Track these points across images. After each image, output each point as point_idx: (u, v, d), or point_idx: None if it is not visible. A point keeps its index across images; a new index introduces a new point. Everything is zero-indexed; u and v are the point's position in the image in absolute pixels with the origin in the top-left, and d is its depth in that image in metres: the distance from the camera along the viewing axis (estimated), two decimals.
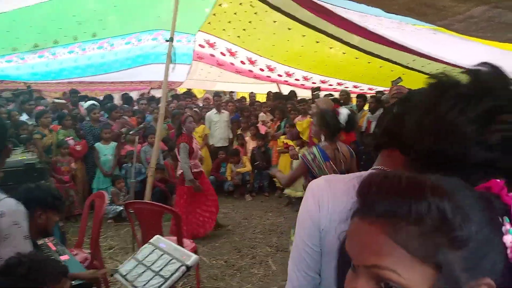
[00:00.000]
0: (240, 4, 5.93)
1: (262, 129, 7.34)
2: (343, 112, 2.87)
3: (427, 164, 0.68)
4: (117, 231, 5.09)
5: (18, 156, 4.08)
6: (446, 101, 0.65)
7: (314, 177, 2.89)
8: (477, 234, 0.49)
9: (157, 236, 2.72)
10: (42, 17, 5.57)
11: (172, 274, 2.36)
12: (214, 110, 7.40)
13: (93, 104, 6.75)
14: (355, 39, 5.91)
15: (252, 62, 7.90)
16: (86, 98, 8.24)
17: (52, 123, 6.01)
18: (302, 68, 8.14)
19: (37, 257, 1.49)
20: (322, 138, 2.94)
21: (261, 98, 9.69)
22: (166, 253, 2.53)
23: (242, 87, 10.65)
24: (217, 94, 8.34)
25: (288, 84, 9.32)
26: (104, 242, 4.60)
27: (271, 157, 6.98)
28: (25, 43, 6.14)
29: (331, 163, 2.84)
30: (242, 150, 7.02)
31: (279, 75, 8.60)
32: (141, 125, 5.89)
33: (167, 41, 4.80)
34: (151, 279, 2.39)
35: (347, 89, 7.67)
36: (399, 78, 4.94)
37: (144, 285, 2.36)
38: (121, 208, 5.49)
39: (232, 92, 10.50)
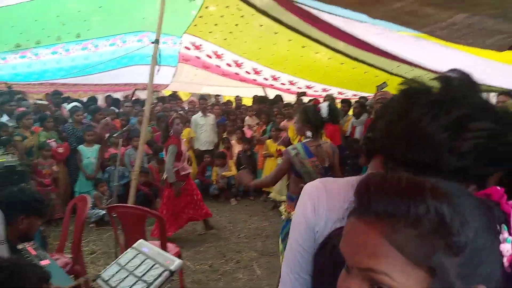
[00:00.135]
0: (227, 7, 5.93)
1: (248, 133, 7.34)
2: (323, 105, 2.92)
3: (400, 170, 0.68)
4: (100, 236, 5.01)
5: None
6: (418, 107, 0.66)
7: (297, 173, 2.91)
8: (474, 240, 0.49)
9: (141, 240, 2.67)
10: (24, 17, 5.46)
11: (155, 279, 2.32)
12: (199, 113, 7.37)
13: (76, 106, 6.64)
14: (340, 45, 5.98)
15: (238, 65, 7.90)
16: (69, 99, 8.10)
17: (33, 124, 5.88)
18: (288, 72, 8.19)
19: (18, 262, 1.45)
20: (308, 133, 2.95)
21: (247, 102, 9.69)
22: (149, 258, 2.49)
23: (228, 91, 10.64)
24: (202, 97, 8.31)
25: (274, 88, 9.36)
26: (86, 247, 4.52)
27: (256, 161, 6.98)
28: (6, 43, 6.00)
29: (315, 159, 2.86)
30: (228, 154, 7.01)
31: (265, 79, 8.62)
32: (125, 128, 5.82)
33: (152, 42, 4.76)
34: (134, 284, 2.34)
35: (332, 95, 7.75)
36: (384, 83, 5.01)
37: None
38: (104, 212, 5.41)
39: (218, 95, 10.47)
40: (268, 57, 7.41)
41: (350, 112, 6.68)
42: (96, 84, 9.07)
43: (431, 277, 0.48)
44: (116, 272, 2.51)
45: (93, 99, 8.52)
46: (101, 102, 9.03)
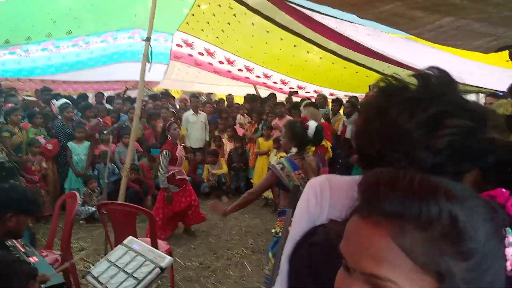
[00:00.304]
0: (219, 5, 5.94)
1: (240, 131, 7.35)
2: (311, 125, 2.96)
3: (372, 168, 0.68)
4: (89, 233, 4.98)
5: None
6: (396, 105, 0.65)
7: (284, 187, 2.96)
8: (484, 245, 0.47)
9: (131, 237, 2.68)
10: (14, 13, 5.41)
11: (145, 276, 2.33)
12: (191, 111, 7.35)
13: (66, 103, 6.58)
14: (332, 44, 6.03)
15: (230, 62, 7.92)
16: (58, 96, 8.02)
17: (22, 121, 5.82)
18: (280, 72, 8.23)
19: (5, 258, 1.45)
20: (293, 149, 3.00)
21: (239, 100, 9.70)
22: (139, 255, 2.50)
23: (220, 89, 10.64)
24: (194, 95, 8.29)
25: (267, 87, 9.38)
26: (76, 244, 4.49)
27: (248, 159, 7.00)
28: None
29: (300, 172, 2.92)
30: (219, 152, 7.01)
31: (258, 76, 8.64)
32: (115, 125, 5.79)
33: (144, 40, 4.74)
34: (124, 281, 2.35)
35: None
36: (378, 82, 5.06)
37: (117, 287, 2.32)
38: (94, 209, 5.38)
39: (210, 93, 10.46)
40: (260, 55, 7.43)
41: (341, 112, 6.74)
42: (86, 82, 8.99)
43: (438, 282, 0.46)
44: (106, 269, 2.52)
45: (83, 96, 8.44)
46: (92, 99, 8.95)
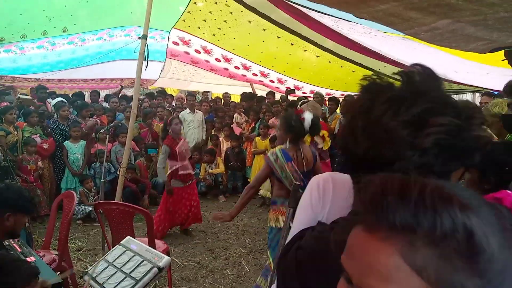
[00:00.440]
0: (215, 3, 5.91)
1: (237, 131, 7.34)
2: (307, 117, 2.98)
3: (359, 169, 0.67)
4: (86, 232, 4.96)
5: None
6: (380, 104, 0.64)
7: (278, 178, 2.96)
8: (497, 258, 0.42)
9: (128, 237, 2.68)
10: (9, 10, 5.36)
11: (143, 276, 2.33)
12: (187, 110, 7.33)
13: (62, 101, 6.54)
14: (329, 43, 6.02)
15: (227, 60, 7.89)
16: (54, 95, 7.97)
17: (17, 120, 5.78)
18: (277, 70, 8.22)
19: (6, 258, 1.44)
20: (287, 142, 3.01)
21: (236, 99, 9.70)
22: (137, 255, 2.49)
23: (216, 88, 10.62)
24: (190, 93, 8.27)
25: (263, 85, 9.37)
26: (73, 243, 4.47)
27: (245, 158, 6.99)
28: None
29: (293, 163, 2.91)
30: (216, 151, 7.00)
31: (254, 74, 8.63)
32: (112, 124, 5.76)
33: (140, 38, 4.72)
34: (122, 281, 2.35)
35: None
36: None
37: (115, 287, 2.32)
38: (91, 208, 5.36)
39: (206, 92, 10.42)
40: (257, 54, 7.42)
41: (338, 110, 6.74)
42: (82, 80, 8.94)
43: None
44: (104, 269, 2.51)
45: (79, 95, 8.40)
46: (87, 98, 8.91)
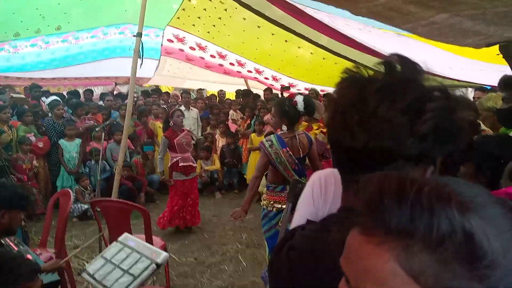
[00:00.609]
0: (210, 0, 5.90)
1: (232, 127, 7.35)
2: (299, 99, 2.99)
3: (356, 165, 0.67)
4: (83, 230, 4.95)
5: None
6: (373, 95, 0.64)
7: (272, 164, 2.99)
8: (502, 261, 0.40)
9: (126, 234, 2.68)
10: (2, 9, 5.32)
11: (141, 272, 2.34)
12: (182, 107, 7.32)
13: (56, 100, 6.50)
14: (323, 39, 6.03)
15: (222, 57, 7.89)
16: (48, 93, 7.92)
17: (11, 118, 5.74)
18: (271, 68, 8.22)
19: (7, 255, 1.44)
20: (284, 127, 3.03)
21: (231, 97, 9.70)
22: (135, 251, 2.50)
23: (211, 86, 10.61)
24: (185, 91, 8.25)
25: (258, 81, 9.37)
26: (69, 241, 4.46)
27: (241, 154, 7.01)
28: None
29: (288, 149, 2.94)
30: (212, 148, 7.01)
31: (249, 71, 8.63)
32: (107, 122, 5.75)
33: (134, 36, 4.70)
34: (120, 277, 2.35)
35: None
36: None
37: (113, 284, 2.32)
38: (87, 206, 5.35)
39: (201, 89, 10.42)
40: (252, 51, 7.41)
41: None
42: (76, 78, 8.88)
43: None
44: (102, 266, 2.51)
45: (74, 93, 8.35)
46: (82, 97, 8.85)
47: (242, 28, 6.51)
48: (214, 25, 6.62)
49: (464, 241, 0.39)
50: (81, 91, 9.09)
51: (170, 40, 7.34)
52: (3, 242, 2.35)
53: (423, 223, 0.40)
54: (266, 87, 8.68)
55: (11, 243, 2.47)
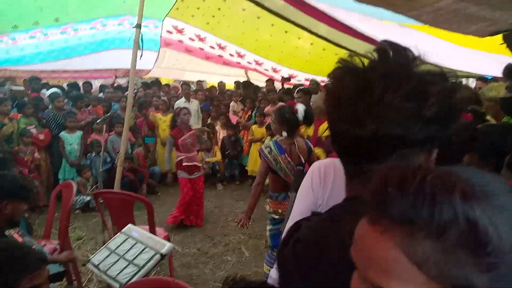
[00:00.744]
0: None
1: (234, 119, 7.34)
2: (300, 108, 3.05)
3: (360, 152, 0.67)
4: (85, 222, 4.98)
5: None
6: (377, 82, 0.63)
7: (272, 170, 3.06)
8: (510, 252, 0.40)
9: (130, 225, 2.70)
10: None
11: (146, 263, 2.36)
12: (183, 99, 7.30)
13: (56, 92, 6.48)
14: (323, 29, 5.99)
15: (222, 48, 7.84)
16: (47, 86, 7.89)
17: (11, 111, 5.73)
18: (271, 59, 8.18)
19: (15, 244, 1.45)
20: (283, 133, 3.07)
21: (230, 88, 9.66)
22: (139, 242, 2.52)
23: (211, 78, 10.57)
24: (185, 83, 8.22)
25: (258, 72, 9.33)
26: (72, 233, 4.48)
27: (242, 146, 7.02)
28: None
29: (286, 156, 2.98)
30: (213, 140, 7.02)
31: (249, 63, 8.59)
32: (108, 114, 5.74)
33: (134, 27, 4.66)
34: (125, 268, 2.38)
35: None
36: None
37: (118, 274, 2.35)
38: (89, 198, 5.37)
39: (201, 81, 10.37)
40: (252, 42, 7.37)
41: None
42: (76, 71, 8.83)
43: None
44: (106, 257, 2.54)
45: (74, 85, 8.32)
46: (81, 89, 8.83)
47: (241, 19, 6.47)
48: (213, 16, 6.57)
49: (467, 229, 0.39)
50: (80, 83, 9.07)
51: (169, 31, 7.29)
52: (7, 233, 2.37)
53: (425, 211, 0.40)
54: (267, 78, 8.65)
55: (15, 235, 2.49)
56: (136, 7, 4.46)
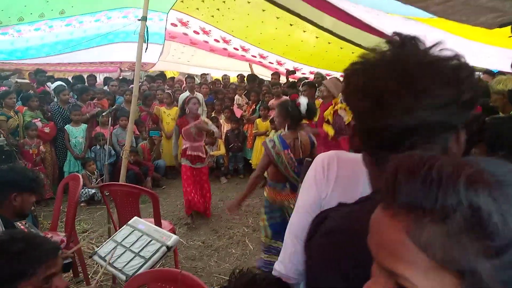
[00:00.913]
0: None
1: (238, 113, 7.33)
2: (303, 102, 3.07)
3: (398, 142, 0.66)
4: (91, 214, 5.01)
5: None
6: (418, 72, 0.64)
7: (274, 163, 3.07)
8: None
9: (136, 217, 2.71)
10: None
11: (152, 255, 2.37)
12: (187, 92, 7.30)
13: (62, 85, 6.50)
14: (329, 22, 5.95)
15: (226, 42, 7.81)
16: (52, 78, 7.90)
17: (16, 104, 5.75)
18: (276, 53, 8.14)
19: (31, 233, 1.46)
20: (287, 127, 3.09)
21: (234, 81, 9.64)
22: (145, 234, 2.53)
23: (215, 72, 10.56)
24: (190, 76, 8.21)
25: (263, 66, 9.30)
26: (78, 226, 4.52)
27: (246, 139, 7.01)
28: None
29: (289, 151, 3.00)
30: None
31: (253, 56, 8.55)
32: (113, 107, 5.75)
33: (139, 20, 4.65)
34: (131, 259, 2.39)
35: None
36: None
37: (124, 266, 2.36)
38: (94, 191, 5.40)
39: (205, 74, 10.34)
40: (256, 35, 7.33)
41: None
42: (80, 63, 8.84)
43: (459, 281, 0.42)
44: (113, 249, 2.55)
45: (79, 78, 8.33)
46: (86, 82, 8.84)
47: (246, 11, 6.43)
48: (218, 9, 6.54)
49: (470, 215, 0.40)
50: (85, 76, 9.09)
51: (173, 24, 7.26)
52: (15, 226, 2.39)
53: (430, 195, 0.41)
54: (272, 71, 8.62)
55: (22, 227, 2.51)
56: None
